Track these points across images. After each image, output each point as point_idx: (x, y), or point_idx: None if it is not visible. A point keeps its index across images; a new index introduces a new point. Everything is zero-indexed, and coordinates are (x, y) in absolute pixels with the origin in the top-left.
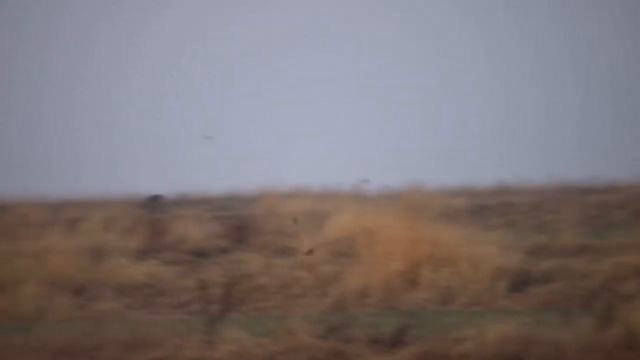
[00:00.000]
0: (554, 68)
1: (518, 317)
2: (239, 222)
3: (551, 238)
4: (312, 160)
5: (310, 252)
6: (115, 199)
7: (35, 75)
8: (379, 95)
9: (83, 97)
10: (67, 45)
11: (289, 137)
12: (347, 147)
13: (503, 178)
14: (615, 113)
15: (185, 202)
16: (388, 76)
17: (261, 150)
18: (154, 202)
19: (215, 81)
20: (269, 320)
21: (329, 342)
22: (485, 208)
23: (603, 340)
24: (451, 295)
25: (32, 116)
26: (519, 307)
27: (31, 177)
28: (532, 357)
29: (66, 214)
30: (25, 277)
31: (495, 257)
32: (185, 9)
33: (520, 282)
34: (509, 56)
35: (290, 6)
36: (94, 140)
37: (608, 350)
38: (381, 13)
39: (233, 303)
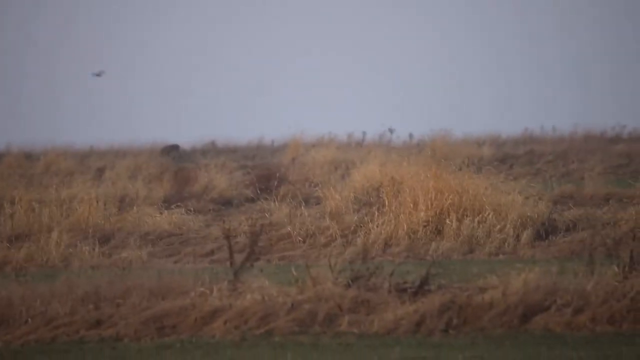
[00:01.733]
0: (579, 19)
1: (542, 266)
2: (265, 172)
3: (576, 187)
4: (337, 110)
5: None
6: (141, 149)
7: (59, 32)
8: (405, 45)
9: (111, 49)
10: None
11: (315, 87)
12: (372, 96)
13: (529, 127)
14: None
15: (211, 151)
16: (416, 27)
17: (287, 101)
18: (171, 152)
19: (237, 30)
20: (294, 269)
21: (353, 291)
22: (511, 157)
23: (627, 289)
24: (476, 245)
25: (58, 69)
26: (544, 256)
27: (58, 127)
28: (556, 306)
29: (92, 163)
30: (51, 225)
31: (520, 206)
32: None
33: (545, 231)
34: (533, 8)
35: None
36: (122, 90)
37: (632, 299)
38: None
39: (258, 252)
